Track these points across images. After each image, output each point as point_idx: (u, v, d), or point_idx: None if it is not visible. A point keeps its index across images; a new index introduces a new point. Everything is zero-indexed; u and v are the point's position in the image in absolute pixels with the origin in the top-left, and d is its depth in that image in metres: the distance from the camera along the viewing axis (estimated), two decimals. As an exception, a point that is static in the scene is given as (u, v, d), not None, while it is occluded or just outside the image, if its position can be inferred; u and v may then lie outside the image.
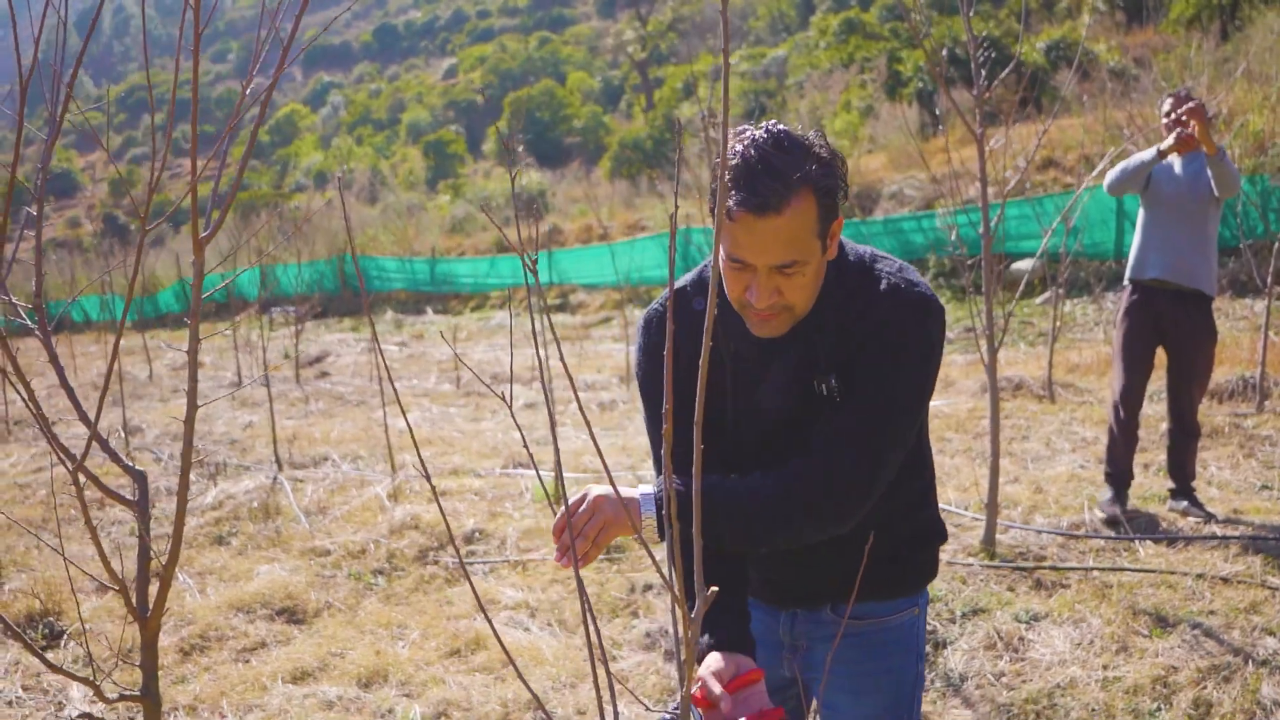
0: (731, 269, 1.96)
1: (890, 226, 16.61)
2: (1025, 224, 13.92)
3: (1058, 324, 8.70)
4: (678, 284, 2.24)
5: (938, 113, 19.47)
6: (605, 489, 2.03)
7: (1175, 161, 5.76)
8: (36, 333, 1.77)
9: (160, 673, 4.84)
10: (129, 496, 2.53)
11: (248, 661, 4.91)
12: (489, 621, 1.23)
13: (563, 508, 1.68)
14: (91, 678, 1.57)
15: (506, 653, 1.25)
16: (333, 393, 13.10)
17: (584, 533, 1.97)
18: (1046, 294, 13.72)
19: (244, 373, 15.04)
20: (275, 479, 8.03)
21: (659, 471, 2.36)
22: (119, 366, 11.11)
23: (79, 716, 2.59)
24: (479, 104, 61.12)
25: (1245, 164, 13.33)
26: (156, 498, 8.19)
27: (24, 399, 1.71)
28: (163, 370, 17.21)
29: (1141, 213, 5.88)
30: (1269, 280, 7.69)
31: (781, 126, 1.93)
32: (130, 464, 2.73)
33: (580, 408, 1.12)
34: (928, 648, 4.41)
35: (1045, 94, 20.14)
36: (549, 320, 1.19)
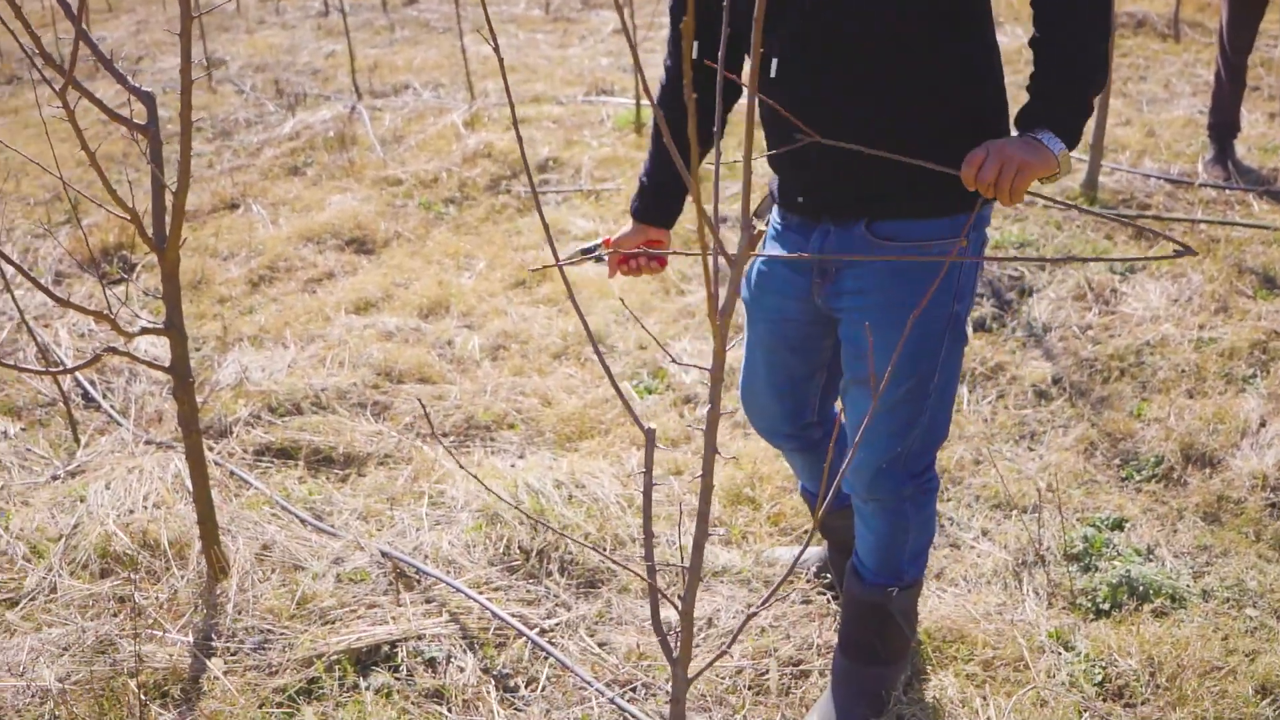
0: None
1: None
2: None
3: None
4: None
5: None
6: (1002, 139, 1.87)
7: None
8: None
9: (228, 304, 4.83)
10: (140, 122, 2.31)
11: (314, 292, 4.86)
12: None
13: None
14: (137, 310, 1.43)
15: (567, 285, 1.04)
16: (419, 20, 12.65)
17: (998, 185, 1.78)
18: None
19: (331, 0, 14.55)
20: (354, 108, 7.82)
21: (672, 52, 2.28)
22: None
23: (104, 350, 2.52)
24: None
25: None
26: (235, 129, 8.05)
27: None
28: (250, 1, 16.74)
29: None
30: None
31: None
32: (136, 85, 2.49)
33: None
34: (1011, 294, 4.17)
35: None
36: None
